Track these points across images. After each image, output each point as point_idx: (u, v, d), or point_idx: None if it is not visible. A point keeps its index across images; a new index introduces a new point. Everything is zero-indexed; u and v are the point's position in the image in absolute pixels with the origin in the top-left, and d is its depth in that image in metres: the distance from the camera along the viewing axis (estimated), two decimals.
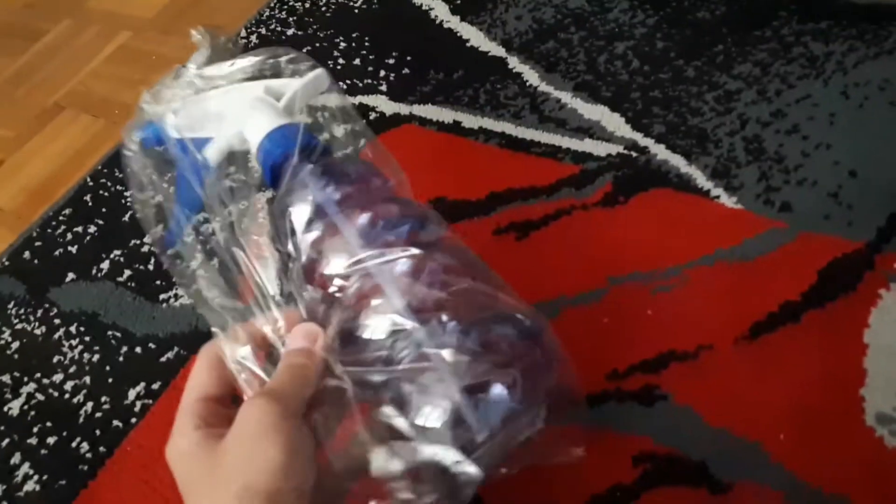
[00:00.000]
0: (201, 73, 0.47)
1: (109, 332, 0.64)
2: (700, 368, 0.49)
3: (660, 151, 0.62)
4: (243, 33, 0.89)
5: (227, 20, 0.93)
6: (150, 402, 0.58)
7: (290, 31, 0.88)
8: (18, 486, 0.56)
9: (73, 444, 0.57)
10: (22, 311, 0.68)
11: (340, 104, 0.50)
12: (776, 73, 0.65)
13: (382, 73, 0.78)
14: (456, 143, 0.69)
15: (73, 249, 0.72)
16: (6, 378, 0.63)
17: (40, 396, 0.61)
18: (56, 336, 0.65)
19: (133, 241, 0.70)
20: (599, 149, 0.64)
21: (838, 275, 0.51)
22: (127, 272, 0.68)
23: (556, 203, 0.61)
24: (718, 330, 0.50)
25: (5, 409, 0.61)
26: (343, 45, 0.84)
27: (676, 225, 0.57)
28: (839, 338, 0.48)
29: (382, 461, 0.32)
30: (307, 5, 0.90)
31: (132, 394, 0.58)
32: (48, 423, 0.59)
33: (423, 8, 0.84)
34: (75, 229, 0.74)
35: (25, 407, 0.61)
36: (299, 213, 0.39)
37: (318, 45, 0.85)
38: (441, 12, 0.83)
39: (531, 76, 0.72)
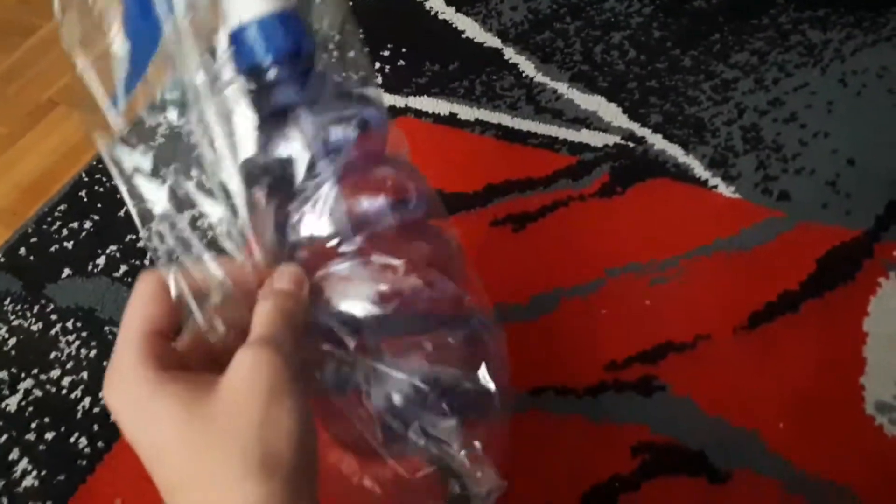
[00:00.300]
0: None
1: (106, 328, 0.64)
2: (698, 359, 0.49)
3: (657, 141, 0.62)
4: None
5: None
6: None
7: None
8: (17, 482, 0.56)
9: (71, 440, 0.57)
10: (18, 307, 0.68)
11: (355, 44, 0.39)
12: (773, 62, 0.65)
13: (377, 65, 0.78)
14: (452, 135, 0.68)
15: (69, 245, 0.72)
16: (3, 374, 0.63)
17: (38, 392, 0.61)
18: (53, 332, 0.65)
19: (129, 237, 0.70)
20: (596, 139, 0.64)
21: (837, 264, 0.51)
22: (123, 267, 0.68)
23: (552, 194, 0.61)
24: (717, 320, 0.50)
25: (3, 405, 0.61)
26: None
27: (674, 215, 0.57)
28: (838, 327, 0.48)
29: None
30: None
31: None
32: (46, 419, 0.59)
33: None
34: (71, 225, 0.73)
35: (23, 403, 0.61)
36: (295, 143, 0.33)
37: None
38: (436, 3, 0.82)
39: (527, 67, 0.72)
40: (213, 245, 0.31)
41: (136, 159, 0.31)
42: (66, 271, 0.69)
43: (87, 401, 0.59)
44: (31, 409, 0.60)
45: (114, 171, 0.31)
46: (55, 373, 0.62)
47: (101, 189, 0.76)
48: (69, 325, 0.65)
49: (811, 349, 0.48)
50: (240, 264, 0.31)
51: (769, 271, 0.52)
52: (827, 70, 0.62)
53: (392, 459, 0.32)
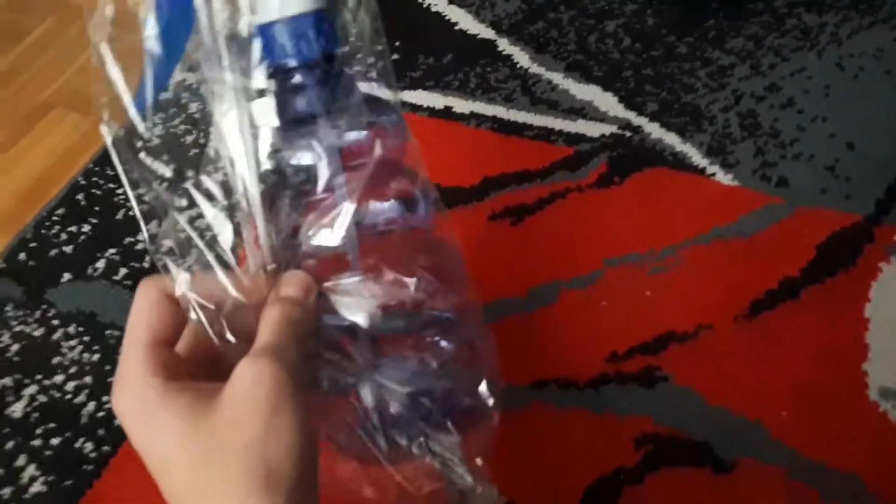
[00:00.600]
0: None
1: (108, 332, 0.64)
2: (700, 348, 0.49)
3: (654, 130, 0.62)
4: None
5: None
6: None
7: None
8: (25, 488, 0.56)
9: (77, 445, 0.57)
10: (20, 313, 0.68)
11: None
12: (769, 47, 0.64)
13: (370, 60, 0.77)
14: (448, 129, 0.68)
15: (68, 249, 0.72)
16: (8, 381, 0.63)
17: (42, 398, 0.61)
18: (55, 337, 0.65)
19: (127, 240, 0.70)
20: (593, 129, 0.63)
21: (837, 249, 0.51)
22: (123, 270, 0.68)
23: (550, 186, 0.60)
24: (717, 309, 0.50)
25: (8, 411, 0.61)
26: None
27: (672, 204, 0.57)
28: (840, 313, 0.48)
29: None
30: None
31: None
32: (51, 425, 0.59)
33: None
34: (69, 229, 0.73)
35: (28, 409, 0.61)
36: (302, 167, 0.32)
37: None
38: None
39: (521, 58, 0.71)
40: (215, 244, 0.31)
41: (154, 164, 0.31)
42: (66, 276, 0.69)
43: (91, 405, 0.59)
44: (36, 415, 0.60)
45: (121, 171, 0.31)
46: (59, 378, 0.62)
47: (99, 192, 0.76)
48: (71, 329, 0.65)
49: (813, 336, 0.48)
50: (248, 273, 0.30)
51: (769, 258, 0.52)
52: (823, 54, 0.62)
53: (393, 467, 0.32)
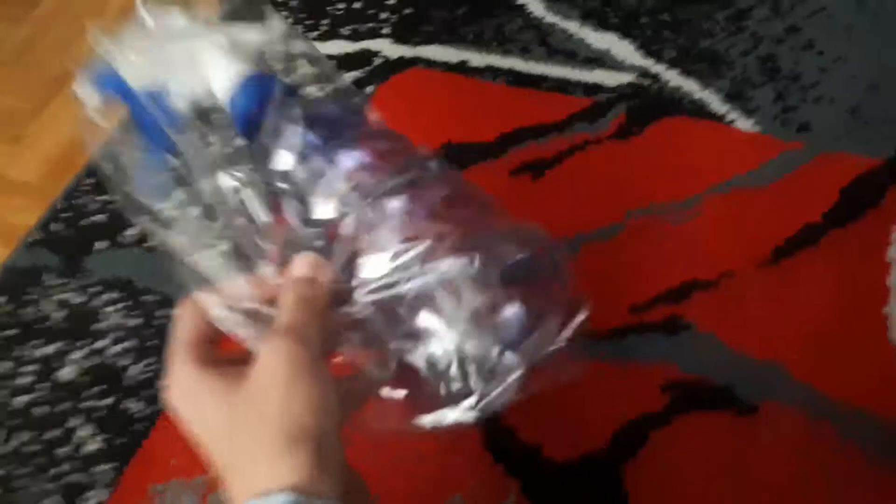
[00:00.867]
0: (160, 21, 0.42)
1: (144, 297, 0.66)
2: (722, 296, 0.50)
3: (672, 77, 0.61)
4: None
5: None
6: None
7: None
8: (81, 446, 0.59)
9: (126, 405, 0.60)
10: (60, 281, 0.70)
11: (306, 50, 0.45)
12: None
13: (384, 15, 0.77)
14: (464, 84, 0.68)
15: (99, 219, 0.73)
16: (55, 346, 0.66)
17: (90, 362, 0.64)
18: (95, 303, 0.67)
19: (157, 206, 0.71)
20: (610, 79, 0.63)
21: (861, 192, 0.51)
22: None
23: (569, 139, 0.61)
24: (739, 256, 0.51)
25: (58, 375, 0.64)
26: None
27: (692, 153, 0.57)
28: (861, 257, 0.49)
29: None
30: None
31: None
32: (100, 387, 0.62)
33: None
34: (99, 198, 0.75)
35: (77, 373, 0.64)
36: (285, 156, 0.36)
37: None
38: None
39: (536, 7, 0.71)
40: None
41: None
42: (100, 244, 0.71)
43: (137, 368, 0.62)
44: (86, 377, 0.63)
45: None
46: (102, 342, 0.65)
47: None
48: (110, 295, 0.67)
49: (834, 281, 0.49)
50: (268, 280, 0.34)
51: (790, 204, 0.52)
52: None
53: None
